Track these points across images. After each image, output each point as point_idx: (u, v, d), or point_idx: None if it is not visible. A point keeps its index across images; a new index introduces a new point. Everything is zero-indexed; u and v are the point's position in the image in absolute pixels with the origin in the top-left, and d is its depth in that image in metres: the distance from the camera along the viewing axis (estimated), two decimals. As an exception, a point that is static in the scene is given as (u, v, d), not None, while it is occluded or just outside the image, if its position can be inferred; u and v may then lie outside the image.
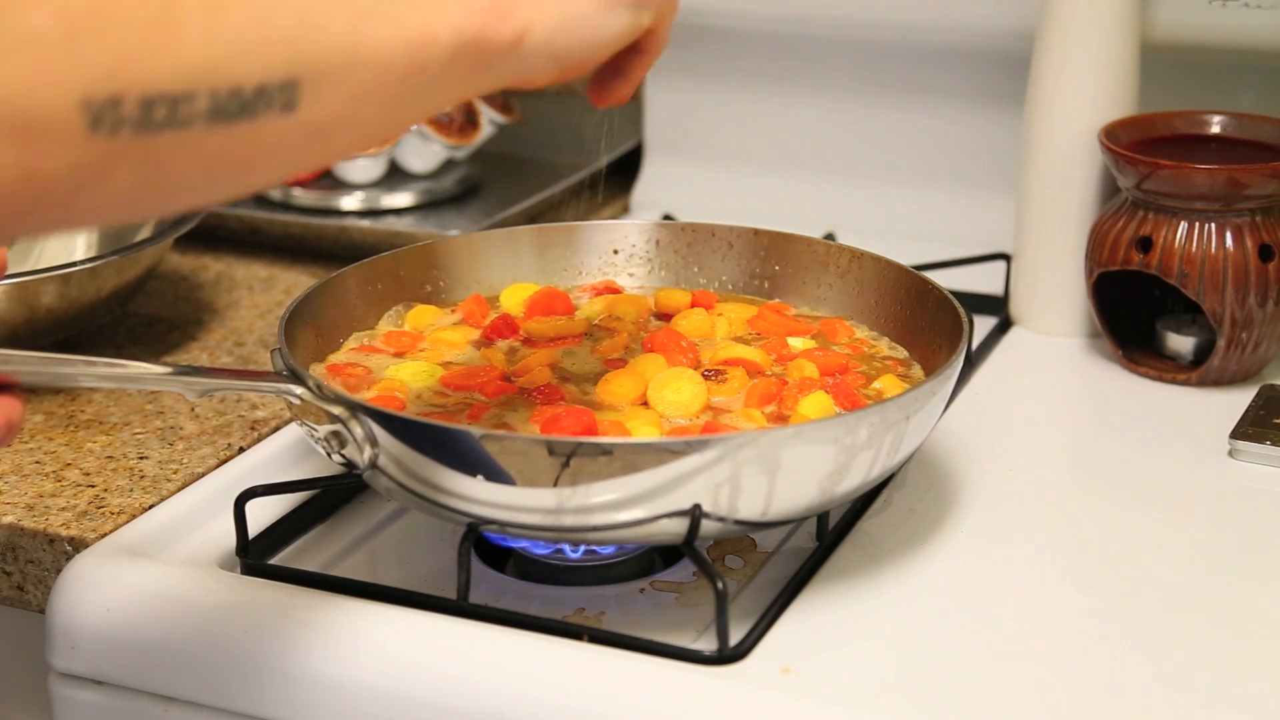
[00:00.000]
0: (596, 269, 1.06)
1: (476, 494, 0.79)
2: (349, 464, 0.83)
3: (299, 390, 0.82)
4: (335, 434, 0.82)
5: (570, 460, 0.77)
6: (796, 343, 0.96)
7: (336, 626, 0.81)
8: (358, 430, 0.81)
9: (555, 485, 0.77)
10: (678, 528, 0.79)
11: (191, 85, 0.59)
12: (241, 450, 1.00)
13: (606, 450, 0.77)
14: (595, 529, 0.80)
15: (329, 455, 0.83)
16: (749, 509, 0.80)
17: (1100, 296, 1.10)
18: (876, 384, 0.92)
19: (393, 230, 1.32)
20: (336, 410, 0.81)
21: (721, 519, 0.79)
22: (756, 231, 1.04)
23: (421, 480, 0.81)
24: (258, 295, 1.26)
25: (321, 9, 0.65)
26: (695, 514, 0.78)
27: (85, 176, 0.57)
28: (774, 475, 0.78)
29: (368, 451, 0.81)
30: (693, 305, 1.01)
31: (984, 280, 1.19)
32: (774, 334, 0.97)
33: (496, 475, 0.78)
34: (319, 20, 0.64)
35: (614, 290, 1.04)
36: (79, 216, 0.60)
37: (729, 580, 0.87)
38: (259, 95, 0.61)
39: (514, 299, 1.02)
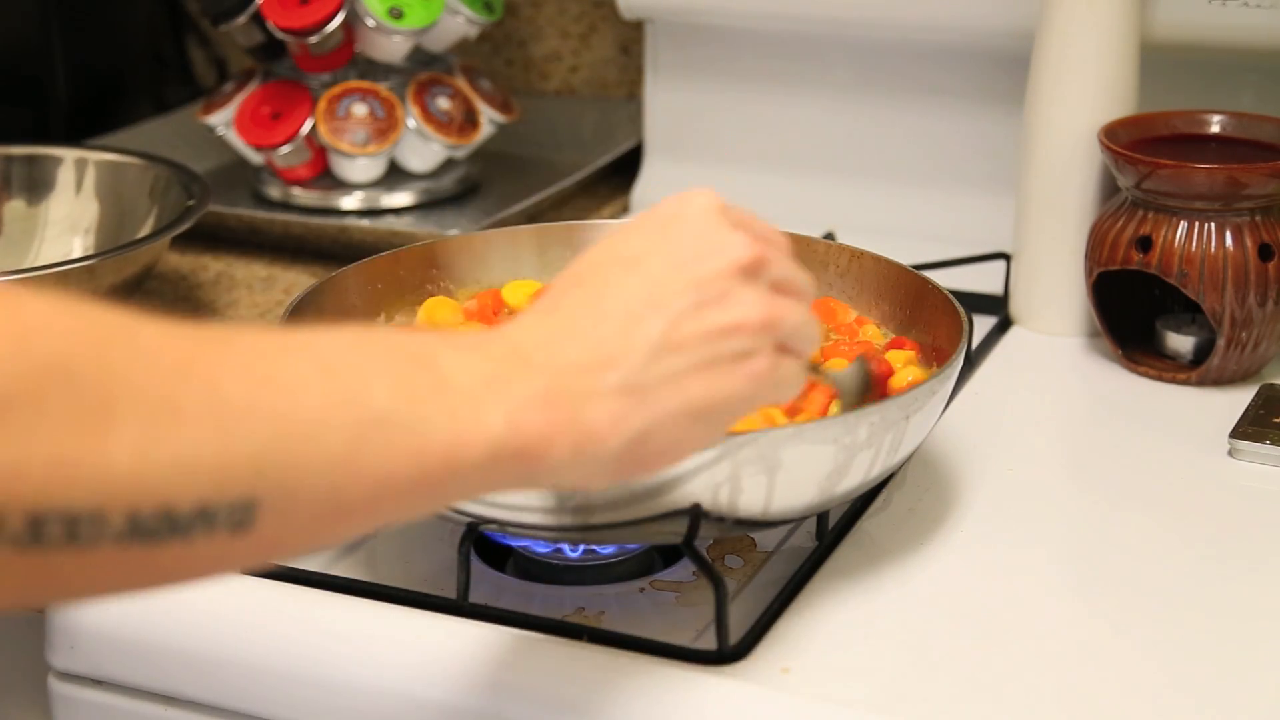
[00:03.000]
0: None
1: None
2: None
3: None
4: None
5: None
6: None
7: (337, 626, 0.81)
8: None
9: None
10: (677, 527, 0.79)
11: (102, 504, 0.49)
12: (241, 450, 0.99)
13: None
14: (595, 528, 0.80)
15: None
16: (749, 508, 0.80)
17: (1100, 296, 1.10)
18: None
19: (393, 230, 1.32)
20: None
21: (721, 518, 0.79)
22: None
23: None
24: (257, 295, 1.26)
25: (314, 418, 0.55)
26: (695, 513, 0.78)
27: None
28: (774, 475, 0.78)
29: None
30: None
31: (984, 280, 1.19)
32: None
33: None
34: (305, 432, 0.54)
35: None
36: None
37: (729, 579, 0.87)
38: (198, 516, 0.51)
39: (517, 295, 1.02)
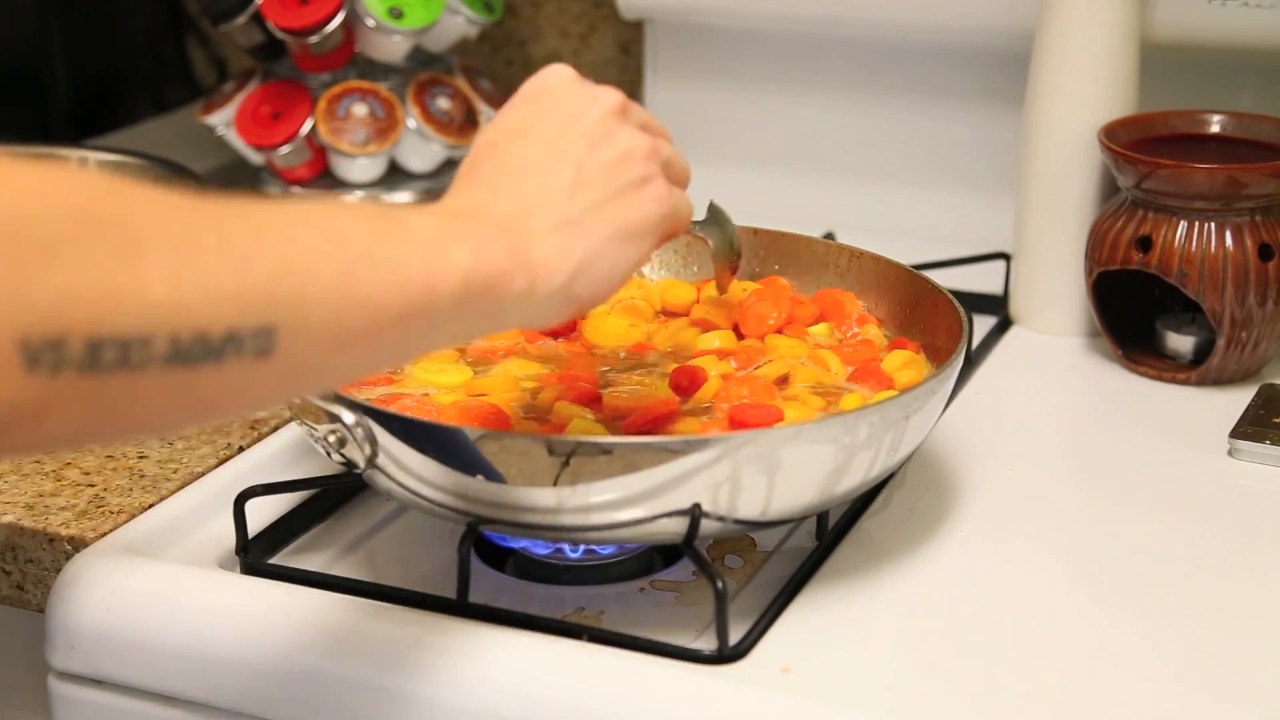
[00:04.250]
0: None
1: (476, 493, 0.79)
2: (348, 463, 0.83)
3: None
4: (335, 433, 0.82)
5: (570, 460, 0.77)
6: (819, 331, 0.97)
7: (336, 626, 0.81)
8: (357, 429, 0.81)
9: (555, 485, 0.77)
10: (677, 527, 0.79)
11: (148, 329, 0.55)
12: (241, 450, 1.00)
13: (606, 450, 0.77)
14: (595, 528, 0.80)
15: (328, 455, 0.83)
16: (749, 508, 0.80)
17: (1100, 296, 1.10)
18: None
19: (392, 230, 1.32)
20: (336, 410, 0.81)
21: (721, 518, 0.79)
22: (756, 231, 1.04)
23: (421, 480, 0.81)
24: (257, 295, 1.26)
25: (309, 253, 0.61)
26: (695, 513, 0.78)
27: (21, 414, 0.53)
28: (774, 475, 0.78)
29: (367, 451, 0.81)
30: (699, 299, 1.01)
31: (984, 280, 1.19)
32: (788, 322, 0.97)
33: (496, 475, 0.78)
34: (305, 265, 0.60)
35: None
36: (15, 448, 0.56)
37: (729, 580, 0.87)
38: (228, 340, 0.57)
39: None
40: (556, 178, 0.75)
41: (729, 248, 0.96)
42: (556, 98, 0.79)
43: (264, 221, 0.60)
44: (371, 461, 0.82)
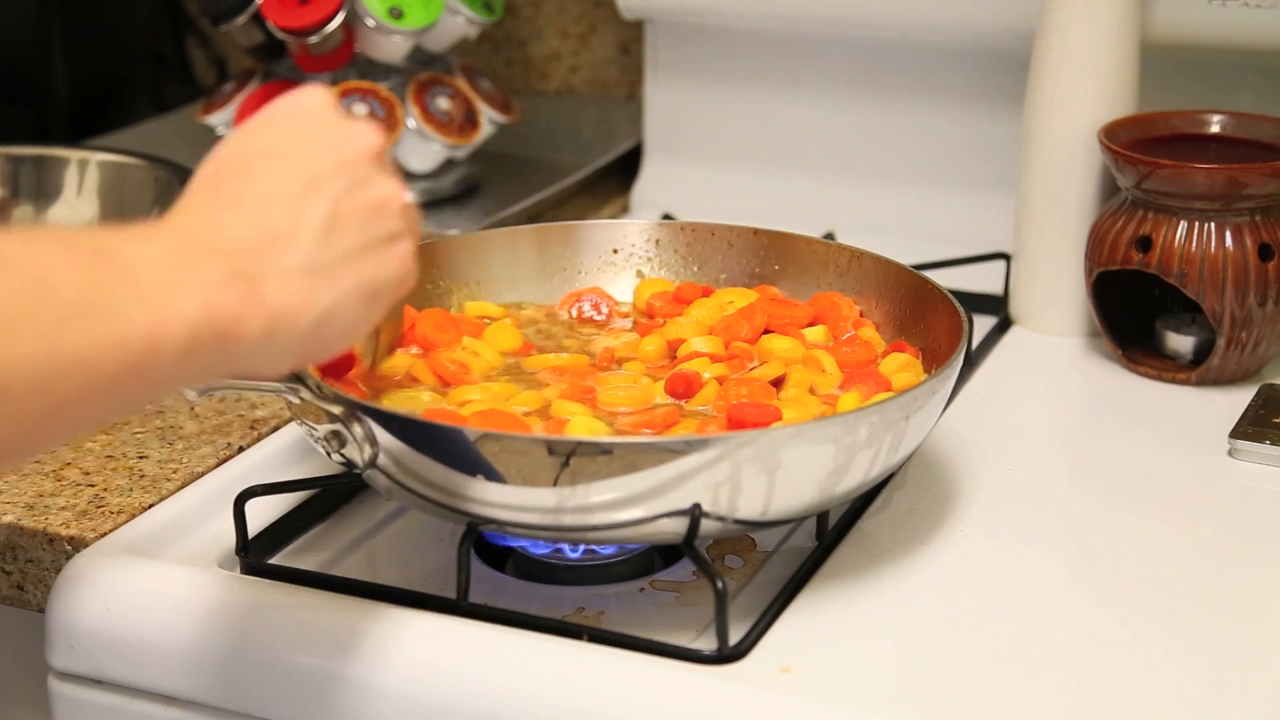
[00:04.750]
0: (596, 268, 1.06)
1: (476, 493, 0.79)
2: (348, 463, 0.83)
3: (299, 389, 0.82)
4: (335, 433, 0.82)
5: (570, 459, 0.77)
6: (814, 333, 0.97)
7: (336, 626, 0.81)
8: (357, 430, 0.81)
9: (555, 485, 0.77)
10: (677, 527, 0.79)
11: None
12: (241, 450, 1.00)
13: (606, 450, 0.77)
14: (595, 528, 0.80)
15: (329, 455, 0.83)
16: (749, 508, 0.80)
17: (1100, 296, 1.10)
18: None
19: (392, 230, 1.32)
20: (336, 410, 0.81)
21: (721, 518, 0.79)
22: (756, 231, 1.04)
23: (421, 480, 0.81)
24: (257, 295, 1.26)
25: (9, 309, 0.54)
26: (695, 513, 0.78)
27: None
28: (774, 475, 0.78)
29: (367, 451, 0.81)
30: (677, 298, 1.01)
31: (984, 280, 1.19)
32: (780, 326, 0.97)
33: (495, 475, 0.78)
34: (3, 323, 0.54)
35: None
36: None
37: (729, 580, 0.87)
38: None
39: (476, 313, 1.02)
40: (310, 214, 0.69)
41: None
42: (315, 124, 0.74)
43: None
44: (372, 462, 0.82)
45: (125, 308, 0.58)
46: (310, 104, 0.75)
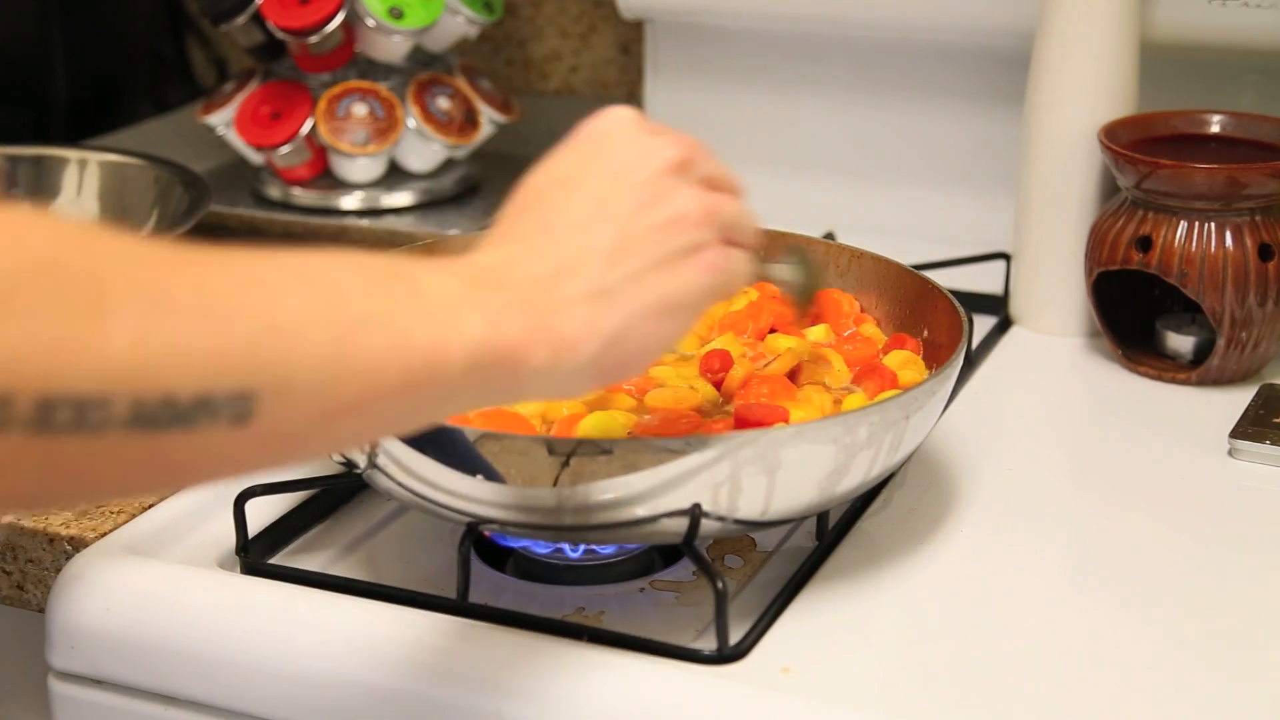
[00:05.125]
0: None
1: (476, 494, 0.79)
2: (348, 463, 0.83)
3: None
4: None
5: (570, 459, 0.77)
6: (815, 332, 0.97)
7: (336, 626, 0.81)
8: None
9: (555, 485, 0.77)
10: (677, 527, 0.79)
11: (107, 389, 0.51)
12: (241, 450, 0.99)
13: (606, 449, 0.77)
14: (595, 528, 0.80)
15: (329, 454, 0.83)
16: (749, 508, 0.80)
17: (1100, 296, 1.10)
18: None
19: (393, 230, 1.32)
20: None
21: (721, 518, 0.79)
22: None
23: (421, 480, 0.81)
24: (257, 295, 1.26)
25: (299, 314, 0.56)
26: (695, 513, 0.78)
27: None
28: (774, 475, 0.78)
29: (366, 448, 0.81)
30: None
31: (984, 280, 1.19)
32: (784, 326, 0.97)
33: (495, 476, 0.78)
34: (293, 326, 0.56)
35: None
36: None
37: (729, 580, 0.87)
38: (199, 405, 0.53)
39: None
40: (597, 240, 0.69)
41: (805, 296, 0.90)
42: (613, 145, 0.73)
43: (251, 276, 0.56)
44: (372, 461, 0.82)
45: (410, 324, 0.60)
46: (612, 125, 0.74)
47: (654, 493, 0.77)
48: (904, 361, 0.92)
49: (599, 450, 0.77)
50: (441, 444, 0.79)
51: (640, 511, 0.78)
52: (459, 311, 0.62)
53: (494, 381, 0.64)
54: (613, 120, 0.74)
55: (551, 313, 0.66)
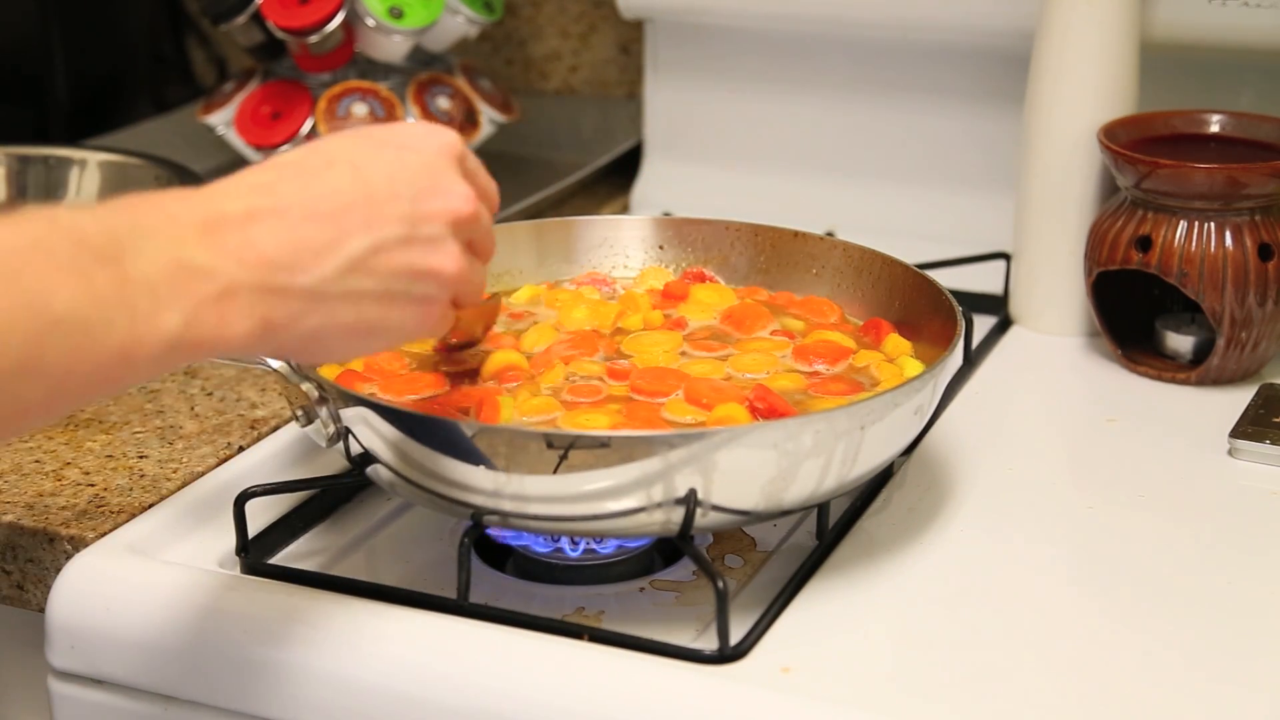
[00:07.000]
0: (594, 265, 1.06)
1: (475, 482, 0.79)
2: (350, 461, 0.84)
3: (274, 364, 0.84)
4: (304, 410, 0.83)
5: (568, 452, 0.77)
6: (796, 325, 0.97)
7: (336, 626, 0.81)
8: (322, 409, 0.83)
9: (554, 474, 0.78)
10: (674, 518, 0.79)
11: None
12: (241, 450, 1.00)
13: (604, 443, 0.77)
14: (588, 518, 0.80)
15: (302, 426, 0.84)
16: (745, 500, 0.80)
17: (1100, 296, 1.10)
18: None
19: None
20: (306, 387, 0.82)
21: (717, 508, 0.79)
22: (755, 228, 1.04)
23: (424, 473, 0.81)
24: (257, 295, 1.26)
25: None
26: (690, 505, 0.78)
27: None
28: (771, 467, 0.78)
29: (329, 430, 0.83)
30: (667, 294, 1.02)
31: (984, 279, 1.19)
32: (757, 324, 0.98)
33: (491, 467, 0.78)
34: None
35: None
36: None
37: (729, 579, 0.87)
38: None
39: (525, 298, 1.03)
40: (346, 247, 0.69)
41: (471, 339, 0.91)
42: (419, 163, 0.72)
43: None
44: (373, 457, 0.82)
45: (111, 319, 0.60)
46: (432, 144, 0.74)
47: (647, 483, 0.78)
48: (903, 349, 0.93)
49: (597, 443, 0.77)
50: (440, 437, 0.79)
51: (633, 502, 0.78)
52: (160, 306, 0.62)
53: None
54: (434, 139, 0.74)
55: (264, 300, 0.66)
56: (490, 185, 0.77)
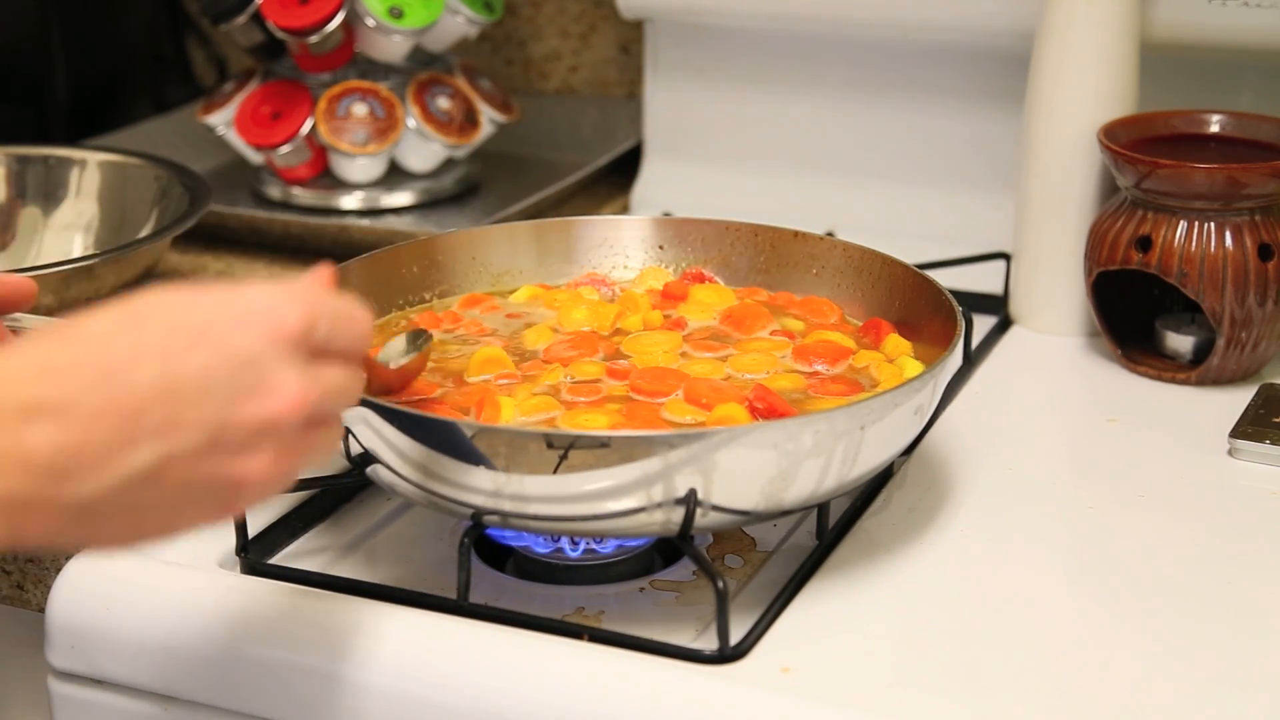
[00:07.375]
0: (594, 265, 1.06)
1: (475, 482, 0.79)
2: (351, 460, 0.83)
3: None
4: None
5: (568, 452, 0.77)
6: (796, 325, 0.97)
7: (336, 626, 0.81)
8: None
9: (554, 474, 0.78)
10: (674, 518, 0.79)
11: None
12: (241, 450, 0.99)
13: (604, 443, 0.77)
14: (588, 518, 0.80)
15: None
16: (745, 500, 0.80)
17: (1100, 296, 1.10)
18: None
19: (393, 229, 1.32)
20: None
21: (717, 508, 0.79)
22: (755, 228, 1.05)
23: (424, 472, 0.81)
24: (257, 295, 1.26)
25: None
26: (690, 505, 0.78)
27: None
28: (771, 467, 0.78)
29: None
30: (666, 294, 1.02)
31: (984, 279, 1.19)
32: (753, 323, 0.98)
33: (491, 468, 0.78)
34: None
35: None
36: None
37: (729, 579, 0.87)
38: None
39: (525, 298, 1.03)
40: (133, 457, 0.61)
41: (403, 379, 0.87)
42: (245, 351, 0.63)
43: None
44: (374, 458, 0.82)
45: None
46: (265, 327, 0.63)
47: (647, 483, 0.78)
48: (903, 350, 0.93)
49: (597, 443, 0.77)
50: (440, 438, 0.79)
51: (633, 502, 0.78)
52: None
53: None
54: (273, 319, 0.64)
55: (28, 511, 0.59)
56: (354, 343, 0.68)
